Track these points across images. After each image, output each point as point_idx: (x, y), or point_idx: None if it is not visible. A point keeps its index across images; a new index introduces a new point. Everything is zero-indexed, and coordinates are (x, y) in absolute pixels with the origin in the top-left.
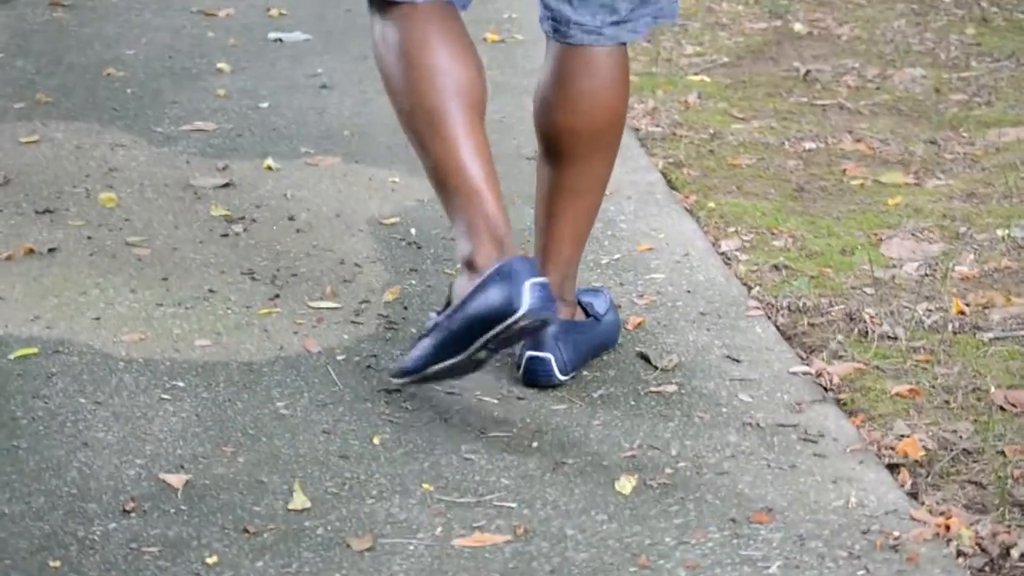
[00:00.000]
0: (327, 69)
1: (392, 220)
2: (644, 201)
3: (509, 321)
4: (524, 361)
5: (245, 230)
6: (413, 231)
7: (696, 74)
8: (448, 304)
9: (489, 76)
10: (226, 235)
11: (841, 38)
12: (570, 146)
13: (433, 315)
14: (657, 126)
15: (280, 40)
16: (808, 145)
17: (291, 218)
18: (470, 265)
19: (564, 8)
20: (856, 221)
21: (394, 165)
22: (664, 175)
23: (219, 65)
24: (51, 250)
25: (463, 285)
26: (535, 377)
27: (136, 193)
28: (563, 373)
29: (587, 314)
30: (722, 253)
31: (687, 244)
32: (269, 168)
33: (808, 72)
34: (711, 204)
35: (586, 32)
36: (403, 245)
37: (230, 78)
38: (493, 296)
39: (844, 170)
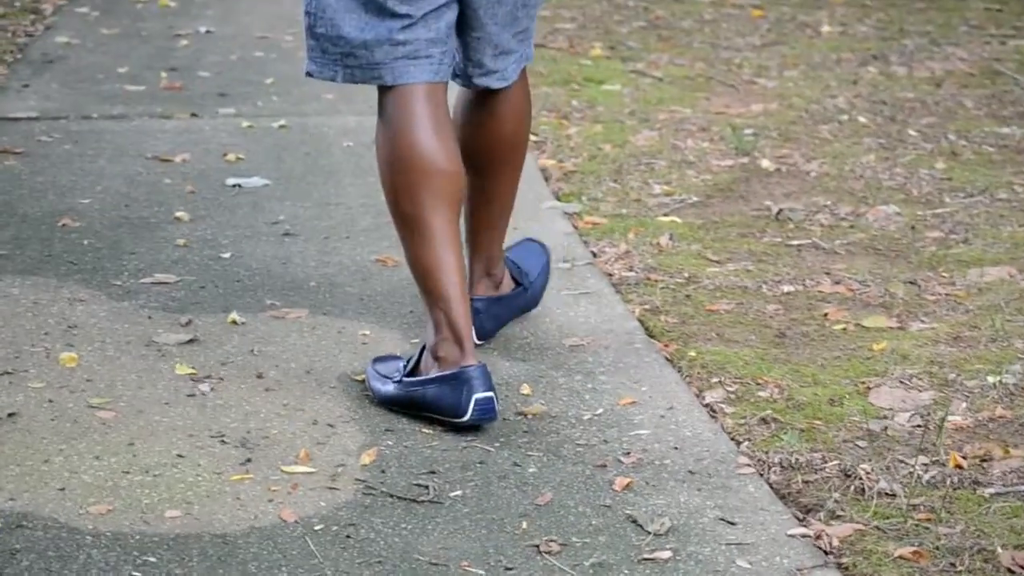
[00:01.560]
0: (289, 215)
1: (364, 376)
2: (623, 351)
3: (452, 420)
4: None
5: (212, 389)
6: None
7: (666, 214)
8: (408, 366)
9: None
10: (192, 395)
11: (810, 175)
12: (490, 162)
13: (401, 366)
14: (631, 270)
15: (239, 186)
16: (786, 288)
17: (259, 376)
18: (434, 353)
19: (473, 71)
20: (842, 369)
21: (364, 317)
22: (641, 322)
23: (177, 214)
24: (11, 415)
25: (427, 363)
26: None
27: (97, 351)
28: (479, 338)
29: (517, 283)
30: (707, 405)
31: (671, 396)
32: (234, 323)
33: (780, 211)
34: (692, 353)
35: (500, 79)
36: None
37: (189, 227)
38: (448, 398)
39: (825, 314)
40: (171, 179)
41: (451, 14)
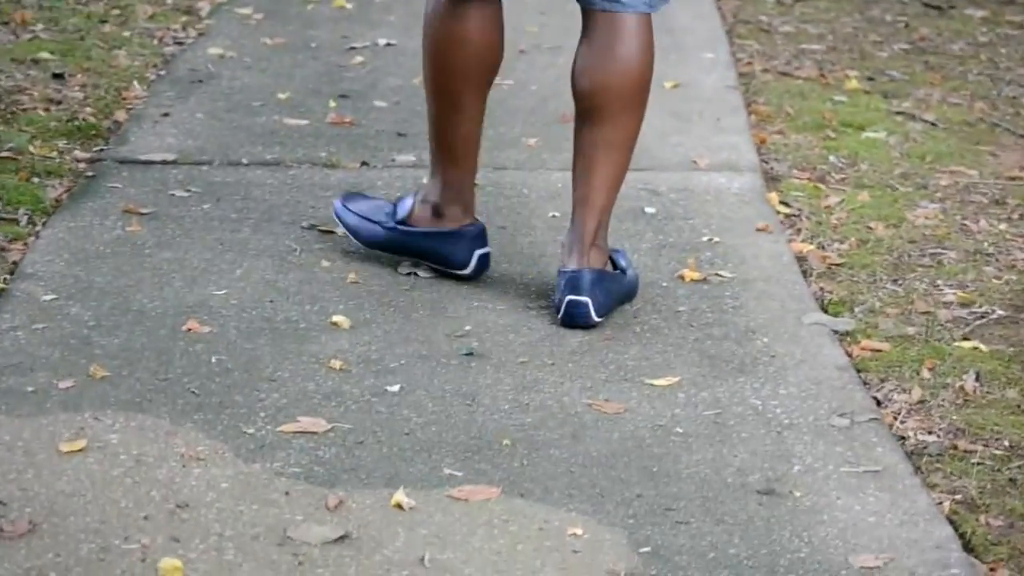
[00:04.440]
0: (477, 323)
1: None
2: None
3: (453, 271)
4: (564, 305)
5: None
6: None
7: (966, 337)
8: (399, 214)
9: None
10: None
11: None
12: (604, 103)
13: (388, 210)
14: (930, 432)
15: (414, 274)
16: None
17: None
18: (435, 209)
19: None
20: None
21: (574, 501)
22: (954, 526)
23: (335, 317)
24: None
25: (424, 217)
26: (573, 319)
27: (212, 554)
28: (598, 315)
29: (615, 266)
30: None
31: None
32: (399, 506)
33: None
34: None
35: (608, 0)
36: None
37: (349, 338)
38: (450, 250)
39: None
40: (330, 260)
41: None
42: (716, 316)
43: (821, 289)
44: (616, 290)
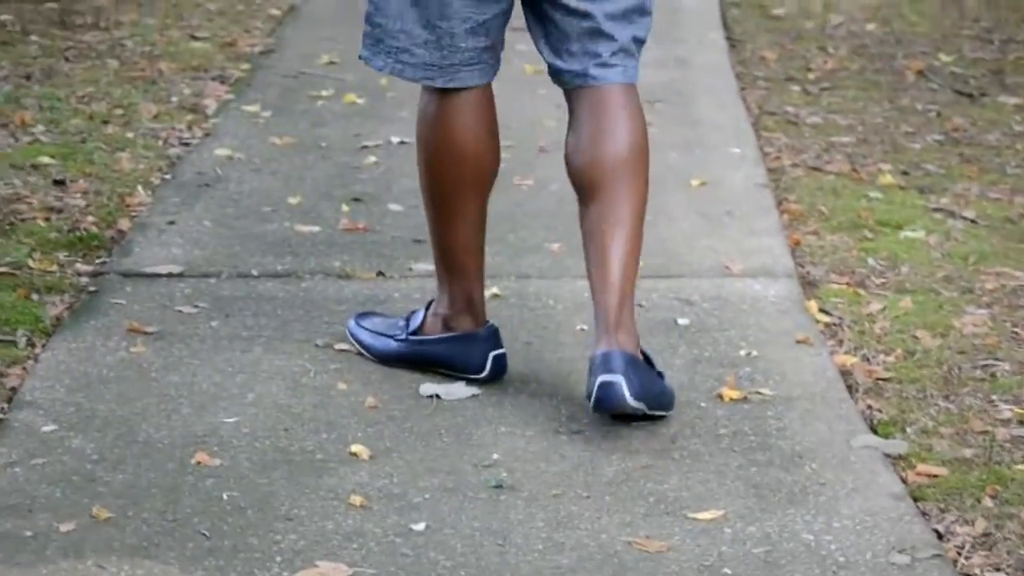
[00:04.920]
0: (506, 452)
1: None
2: None
3: (469, 376)
4: (596, 387)
5: None
6: None
7: None
8: (412, 326)
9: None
10: None
11: None
12: (600, 179)
13: (401, 324)
14: (997, 569)
15: (437, 397)
16: None
17: None
18: (446, 323)
19: (556, 62)
20: None
21: None
22: None
23: (353, 448)
24: None
25: (434, 327)
26: (607, 402)
27: None
28: (635, 398)
29: (648, 362)
30: None
31: None
32: None
33: None
34: None
35: (575, 76)
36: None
37: (369, 471)
38: (464, 355)
39: None
40: (347, 381)
41: (506, 17)
42: (759, 440)
43: (869, 407)
44: (651, 385)
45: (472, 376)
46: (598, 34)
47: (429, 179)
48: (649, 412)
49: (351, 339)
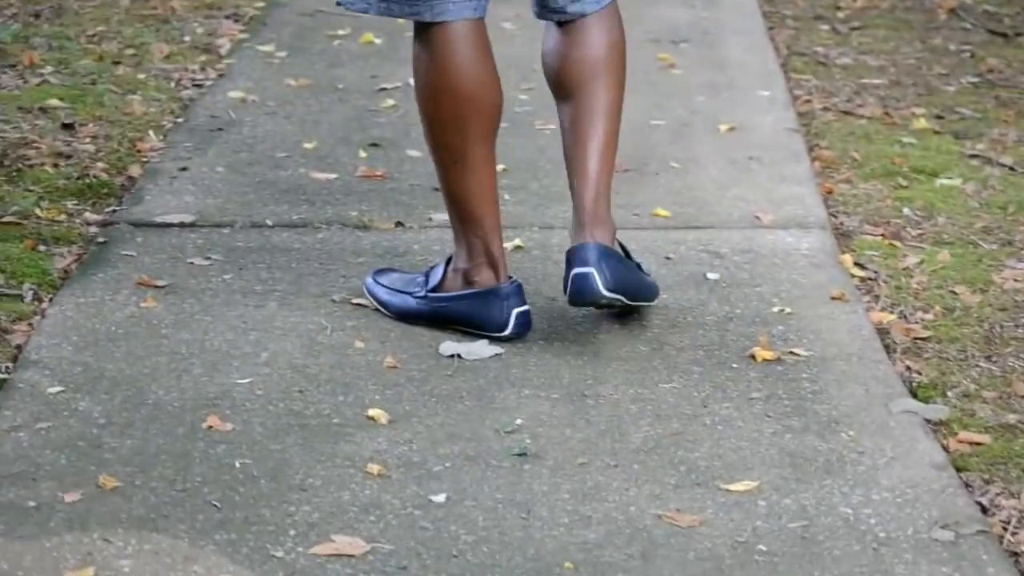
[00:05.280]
0: (530, 416)
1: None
2: None
3: (491, 334)
4: (570, 280)
5: None
6: None
7: None
8: (431, 283)
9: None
10: None
11: None
12: (576, 76)
13: (420, 279)
14: None
15: (458, 356)
16: None
17: None
18: (466, 277)
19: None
20: None
21: None
22: None
23: (371, 411)
24: None
25: (455, 284)
26: (580, 294)
27: None
28: (607, 289)
29: (627, 255)
30: None
31: None
32: None
33: None
34: None
35: (554, 11)
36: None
37: (387, 436)
38: (486, 311)
39: None
40: (364, 340)
41: None
42: (794, 404)
43: (908, 368)
44: (628, 276)
45: (494, 335)
46: None
47: (430, 123)
48: (628, 303)
49: (368, 296)
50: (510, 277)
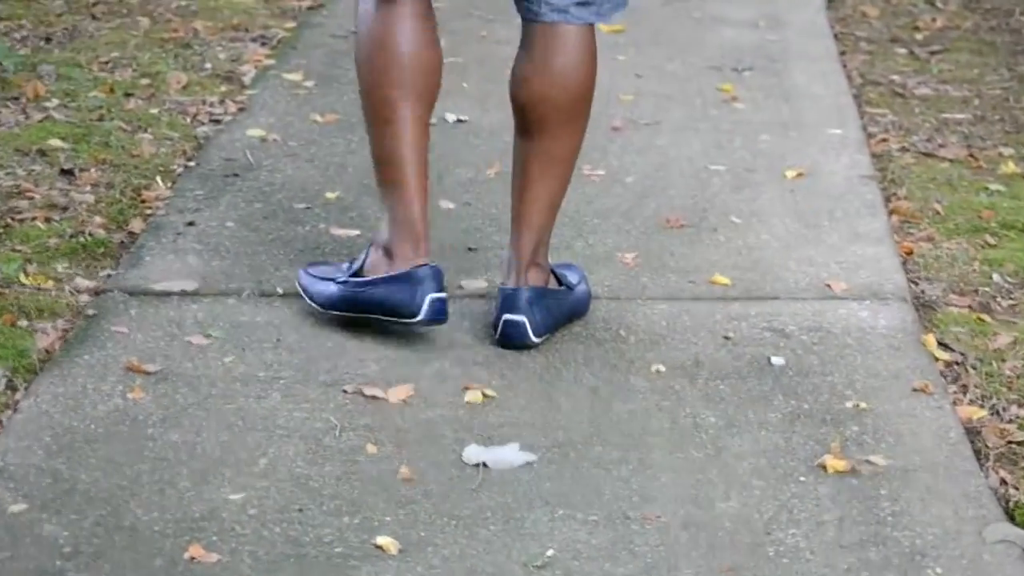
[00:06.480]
0: (563, 543)
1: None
2: None
3: (404, 320)
4: (500, 325)
5: None
6: None
7: None
8: (354, 267)
9: None
10: None
11: None
12: (543, 116)
13: (345, 266)
14: None
15: (484, 465)
16: None
17: None
18: (387, 251)
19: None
20: None
21: None
22: None
23: (379, 539)
24: None
25: (377, 262)
26: (510, 339)
27: None
28: (536, 335)
29: (560, 283)
30: None
31: None
32: None
33: None
34: None
35: (554, 10)
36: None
37: (396, 570)
38: (399, 296)
39: None
40: (377, 444)
41: None
42: (872, 530)
43: (1003, 482)
44: (558, 308)
45: (406, 320)
46: None
47: (364, 79)
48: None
49: (298, 287)
50: (433, 263)
